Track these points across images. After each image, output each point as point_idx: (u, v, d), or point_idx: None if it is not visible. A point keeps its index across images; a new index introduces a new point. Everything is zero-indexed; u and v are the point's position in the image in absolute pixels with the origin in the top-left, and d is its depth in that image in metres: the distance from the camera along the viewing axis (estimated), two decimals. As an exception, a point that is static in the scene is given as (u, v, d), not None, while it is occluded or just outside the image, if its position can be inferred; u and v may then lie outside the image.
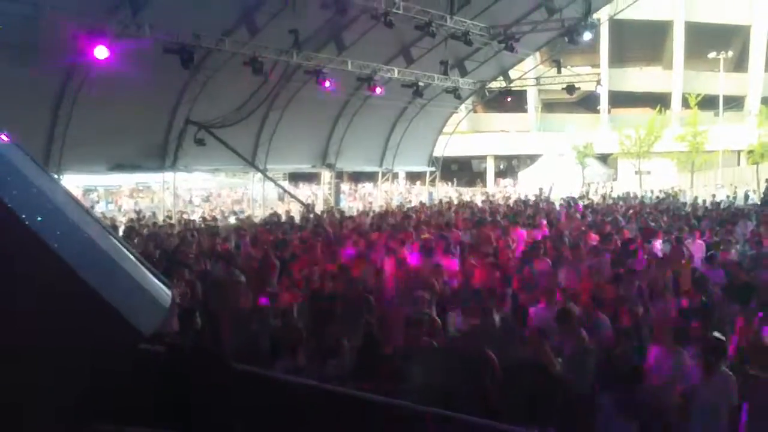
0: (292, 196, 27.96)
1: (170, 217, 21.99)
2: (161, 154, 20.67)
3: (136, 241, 14.37)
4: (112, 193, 33.00)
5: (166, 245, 13.39)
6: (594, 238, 13.52)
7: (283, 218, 21.04)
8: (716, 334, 6.19)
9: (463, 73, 27.04)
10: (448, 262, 11.38)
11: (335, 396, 1.52)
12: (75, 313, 1.49)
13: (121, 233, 17.01)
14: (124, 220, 21.55)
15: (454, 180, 50.43)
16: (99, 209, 29.31)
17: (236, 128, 20.96)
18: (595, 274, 9.95)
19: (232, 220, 22.77)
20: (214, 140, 20.28)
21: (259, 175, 24.57)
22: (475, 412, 2.78)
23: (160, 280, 1.86)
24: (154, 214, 23.42)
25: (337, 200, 28.04)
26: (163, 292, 1.83)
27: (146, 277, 1.80)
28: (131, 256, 1.82)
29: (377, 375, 6.46)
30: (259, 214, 24.79)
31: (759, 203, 26.30)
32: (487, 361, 6.09)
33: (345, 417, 1.50)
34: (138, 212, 22.96)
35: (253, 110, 20.59)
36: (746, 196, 32.22)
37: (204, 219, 21.22)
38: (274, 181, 25.91)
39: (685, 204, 26.35)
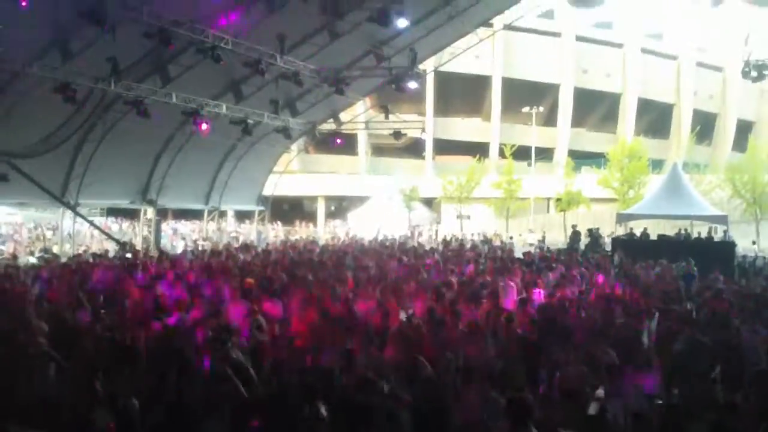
0: (104, 232, 26.14)
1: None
2: (-46, 185, 18.47)
3: None
4: None
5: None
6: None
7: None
8: (522, 394, 6.14)
9: (294, 113, 27.05)
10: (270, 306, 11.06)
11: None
12: None
13: None
14: None
15: (293, 221, 50.28)
16: None
17: (45, 159, 19.32)
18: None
19: (33, 259, 20.73)
20: (19, 168, 18.50)
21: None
22: None
23: None
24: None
25: (158, 239, 26.54)
26: None
27: None
28: None
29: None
30: (70, 252, 22.84)
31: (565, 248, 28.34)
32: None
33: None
34: None
35: (64, 140, 19.07)
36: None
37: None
38: (83, 217, 24.07)
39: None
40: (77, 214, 23.04)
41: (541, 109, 49.65)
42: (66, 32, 16.09)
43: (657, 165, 44.68)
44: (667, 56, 59.38)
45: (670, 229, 28.51)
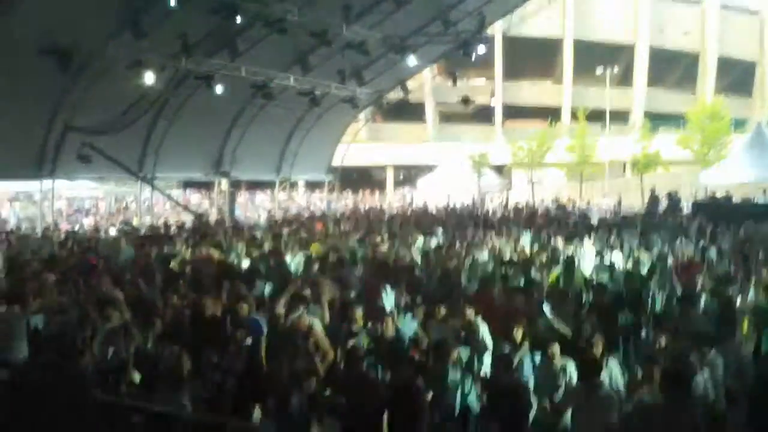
0: (179, 204, 26.89)
1: (49, 228, 20.61)
2: (38, 161, 19.28)
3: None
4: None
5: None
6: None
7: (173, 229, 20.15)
8: (591, 354, 6.21)
9: (361, 82, 26.91)
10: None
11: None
12: None
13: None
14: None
15: (359, 190, 50.59)
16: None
17: (122, 135, 19.91)
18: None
19: (113, 231, 21.56)
20: (99, 148, 19.18)
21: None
22: None
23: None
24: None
25: (232, 210, 27.15)
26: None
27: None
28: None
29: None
30: (148, 225, 23.65)
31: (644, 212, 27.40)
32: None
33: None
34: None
35: (139, 116, 19.61)
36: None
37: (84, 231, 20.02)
38: (161, 191, 24.83)
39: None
40: (154, 187, 23.79)
41: (615, 69, 47.91)
42: (137, 11, 16.39)
43: (739, 125, 42.56)
44: (748, 11, 56.20)
45: (753, 191, 27.21)
